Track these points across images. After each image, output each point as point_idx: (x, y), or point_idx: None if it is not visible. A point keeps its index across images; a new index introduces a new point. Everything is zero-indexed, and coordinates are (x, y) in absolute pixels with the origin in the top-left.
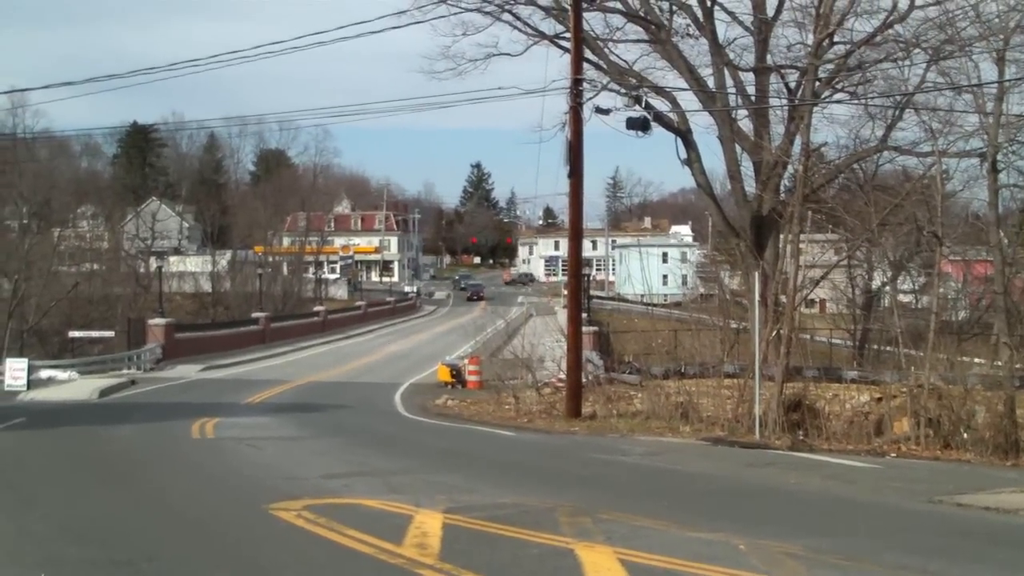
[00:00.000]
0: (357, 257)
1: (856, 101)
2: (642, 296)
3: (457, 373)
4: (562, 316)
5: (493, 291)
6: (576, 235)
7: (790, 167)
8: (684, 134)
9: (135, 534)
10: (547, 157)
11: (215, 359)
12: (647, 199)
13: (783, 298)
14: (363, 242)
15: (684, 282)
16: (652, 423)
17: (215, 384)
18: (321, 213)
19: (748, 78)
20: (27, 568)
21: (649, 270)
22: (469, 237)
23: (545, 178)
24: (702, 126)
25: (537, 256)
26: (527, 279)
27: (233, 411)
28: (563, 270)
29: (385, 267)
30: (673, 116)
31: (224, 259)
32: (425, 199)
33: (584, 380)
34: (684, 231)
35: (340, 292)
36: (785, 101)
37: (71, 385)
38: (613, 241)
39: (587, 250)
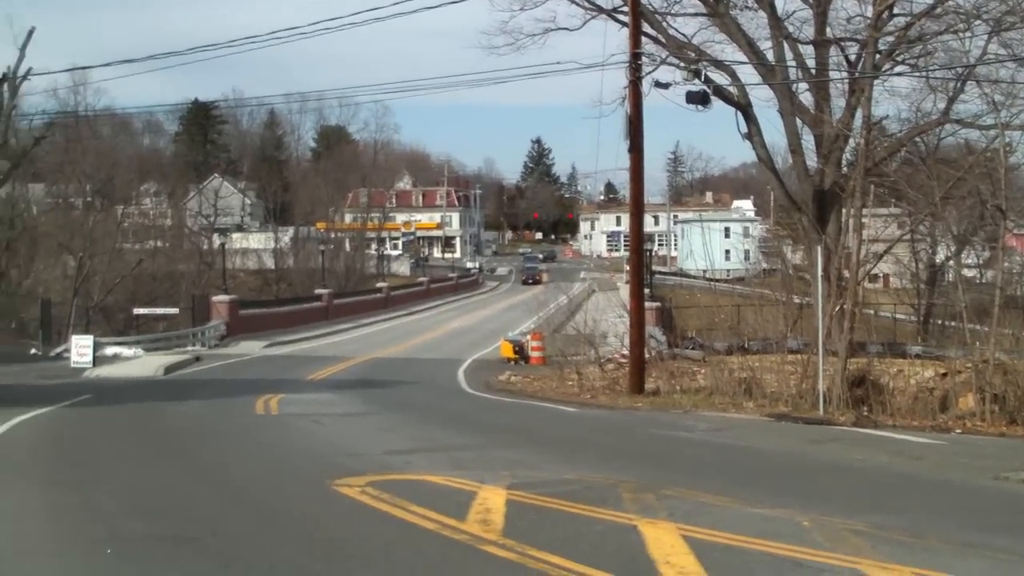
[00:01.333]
0: (419, 233)
1: (917, 74)
2: (704, 271)
3: (520, 349)
4: (624, 292)
5: (554, 267)
6: (637, 210)
7: (851, 141)
8: (744, 108)
9: (199, 509)
10: (607, 132)
11: (278, 336)
12: (708, 174)
13: (846, 273)
14: (425, 218)
15: (746, 257)
16: (715, 399)
17: (279, 360)
18: (382, 189)
19: (808, 51)
20: (93, 543)
21: (711, 245)
22: (531, 212)
23: (605, 153)
24: (762, 100)
25: (599, 231)
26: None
27: (296, 387)
28: (625, 245)
29: (447, 243)
30: (733, 90)
31: (286, 236)
32: (486, 175)
33: (647, 356)
34: (746, 206)
35: (403, 268)
36: (845, 74)
37: (136, 362)
38: (675, 216)
39: (648, 225)
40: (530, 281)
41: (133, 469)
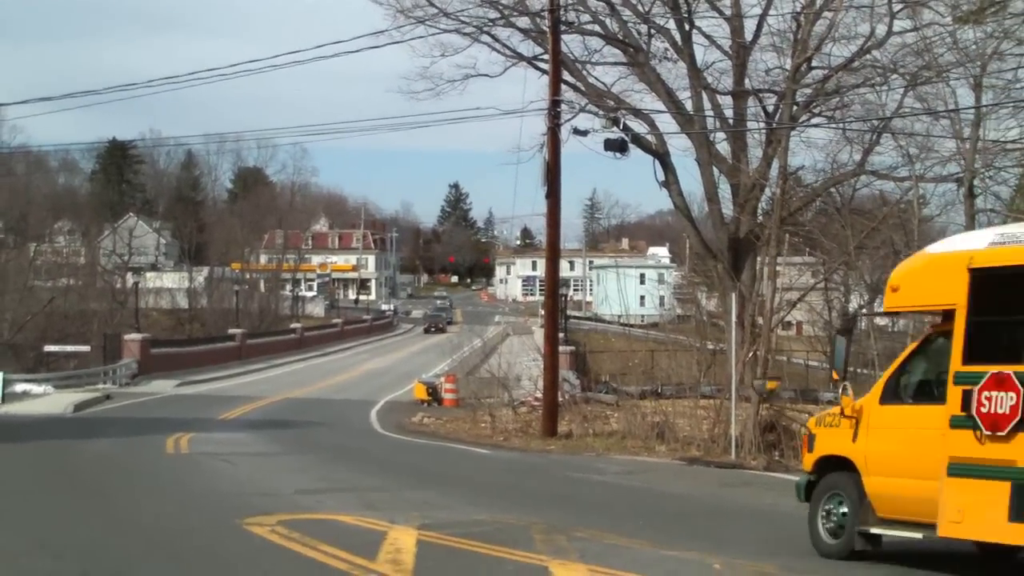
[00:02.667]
0: (334, 275)
1: (834, 125)
2: (619, 316)
3: (433, 391)
4: (539, 335)
5: (469, 311)
6: (553, 255)
7: (767, 190)
8: (662, 156)
9: (108, 549)
10: (525, 178)
11: (191, 375)
12: (625, 221)
13: (760, 320)
14: (340, 260)
15: (661, 303)
16: (628, 443)
17: (190, 400)
18: (299, 231)
19: (726, 101)
20: None
21: (626, 291)
22: (447, 256)
23: (523, 199)
24: (680, 149)
25: (515, 276)
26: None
27: (208, 427)
28: (541, 290)
29: (362, 285)
30: (651, 138)
31: (201, 276)
32: (403, 218)
33: (560, 399)
34: (662, 253)
35: (317, 310)
36: (763, 125)
37: (46, 399)
38: (590, 262)
39: (564, 270)
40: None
41: (40, 508)
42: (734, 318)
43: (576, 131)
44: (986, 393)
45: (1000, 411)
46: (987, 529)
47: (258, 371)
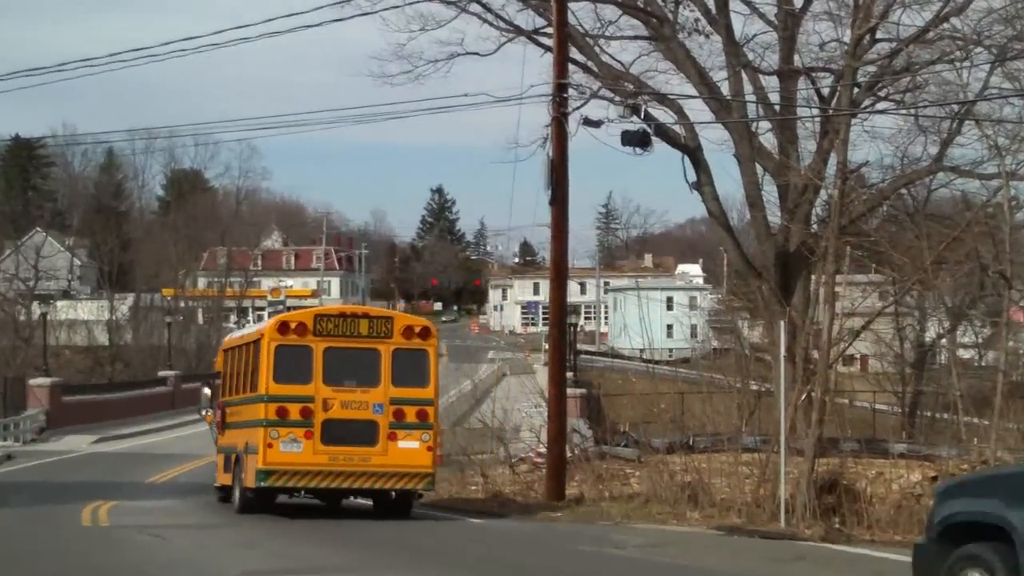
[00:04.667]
0: (290, 303)
1: (904, 111)
2: (641, 351)
3: None
4: (542, 376)
5: (457, 345)
6: (560, 276)
7: (823, 192)
8: (693, 152)
9: None
10: (524, 181)
11: (113, 428)
12: (647, 232)
13: (815, 354)
14: (298, 284)
15: (693, 334)
16: (653, 508)
17: (112, 459)
18: (246, 249)
19: (772, 83)
20: None
21: (650, 319)
22: (428, 278)
23: (522, 206)
24: (715, 142)
25: (512, 301)
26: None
27: (133, 492)
28: (544, 319)
29: None
30: (679, 129)
31: (125, 305)
32: (374, 231)
33: (569, 454)
34: (693, 271)
35: None
36: (817, 111)
37: None
38: (606, 283)
39: (574, 294)
40: None
41: None
42: (783, 351)
43: (587, 122)
44: None
45: None
46: None
47: (196, 422)
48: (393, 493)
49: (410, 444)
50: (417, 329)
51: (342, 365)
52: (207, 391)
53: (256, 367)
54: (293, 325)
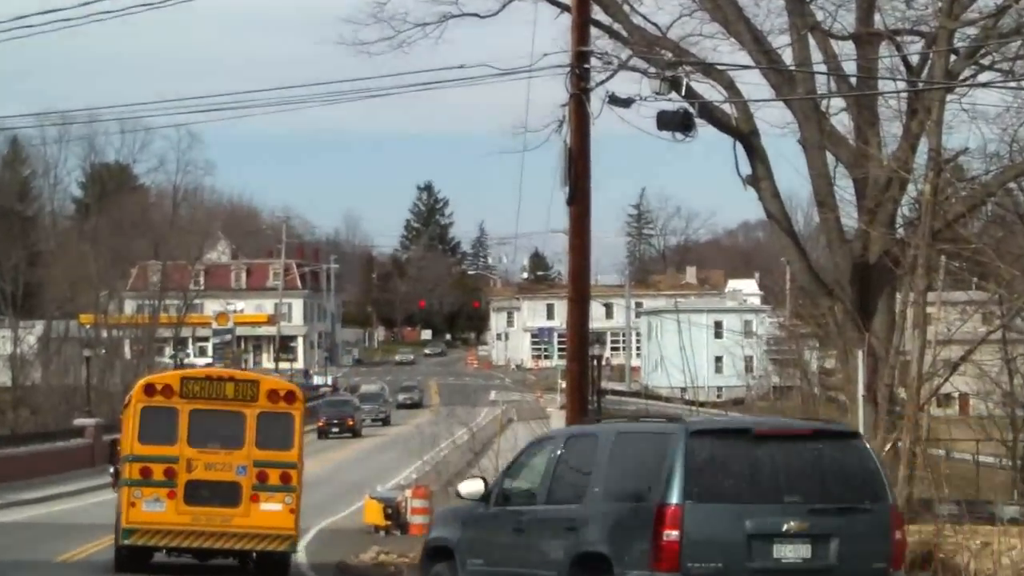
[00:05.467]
0: (240, 331)
1: (1013, 84)
2: (683, 391)
3: (394, 512)
4: (559, 422)
5: (451, 384)
6: (580, 295)
7: (911, 188)
8: (747, 137)
9: None
10: (535, 176)
11: (15, 491)
12: (690, 240)
13: (902, 392)
14: (250, 307)
15: (748, 367)
16: None
17: (14, 531)
18: (185, 263)
19: (846, 49)
20: None
21: (693, 350)
22: (415, 299)
23: (532, 208)
24: (775, 124)
25: (520, 328)
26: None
27: (41, 573)
28: (560, 350)
29: (284, 346)
30: (729, 109)
31: (32, 335)
32: (347, 241)
33: None
34: (747, 289)
35: None
36: (903, 85)
37: None
38: (638, 305)
39: (598, 318)
40: (335, 430)
41: None
42: (862, 389)
43: (614, 100)
44: None
45: None
46: None
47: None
48: (254, 554)
49: (272, 506)
50: (282, 393)
51: (207, 427)
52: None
53: (126, 427)
54: (160, 387)
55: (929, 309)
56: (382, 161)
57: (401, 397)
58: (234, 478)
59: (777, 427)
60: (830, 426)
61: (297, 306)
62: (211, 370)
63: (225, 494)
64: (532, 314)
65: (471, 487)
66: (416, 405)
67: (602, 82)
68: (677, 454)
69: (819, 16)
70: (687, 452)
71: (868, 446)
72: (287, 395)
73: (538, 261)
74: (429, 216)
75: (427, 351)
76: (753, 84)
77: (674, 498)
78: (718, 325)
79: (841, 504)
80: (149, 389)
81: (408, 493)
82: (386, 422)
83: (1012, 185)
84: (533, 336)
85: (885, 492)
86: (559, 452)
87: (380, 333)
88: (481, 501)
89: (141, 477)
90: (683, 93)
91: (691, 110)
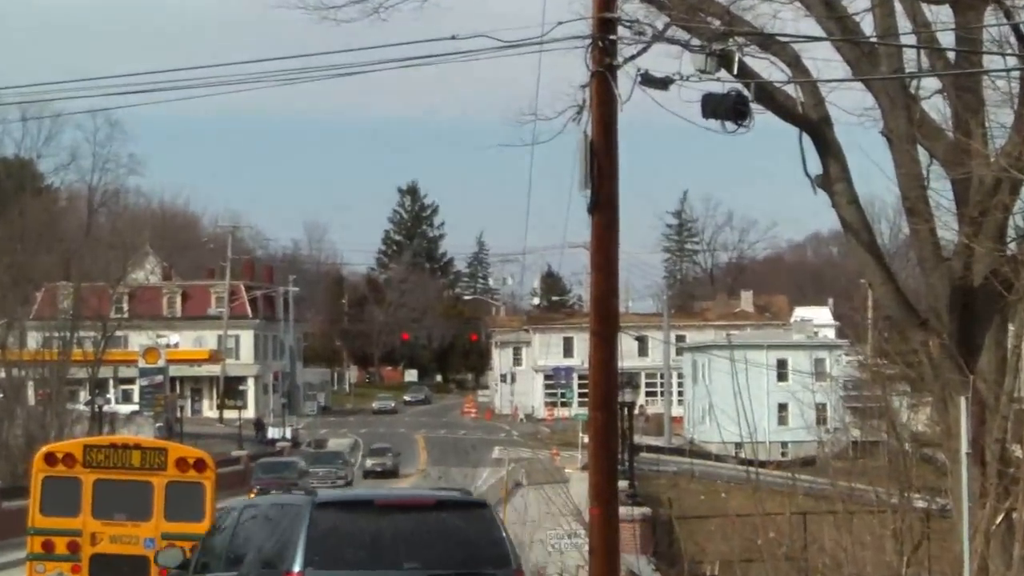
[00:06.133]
0: (175, 371)
1: None
2: (737, 447)
3: None
4: (580, 487)
5: (441, 439)
6: (607, 326)
7: None
8: (816, 127)
9: None
10: (547, 175)
11: None
12: (745, 257)
13: (1017, 450)
14: (187, 340)
15: (820, 419)
16: None
17: None
18: (104, 285)
19: (943, 15)
20: None
21: (750, 395)
22: (397, 330)
23: (544, 215)
24: (852, 111)
25: (529, 367)
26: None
27: None
28: (581, 395)
29: (231, 390)
30: (795, 92)
31: None
32: (310, 257)
33: None
34: (818, 318)
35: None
36: (1015, 61)
37: None
38: (679, 339)
39: (629, 355)
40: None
41: None
42: (965, 445)
43: (648, 79)
44: None
45: None
46: None
47: (21, 563)
48: None
49: None
50: (191, 461)
51: (113, 498)
52: None
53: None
54: (61, 456)
55: None
56: (354, 157)
57: (370, 463)
58: (142, 551)
59: (400, 498)
60: (455, 496)
61: (247, 339)
62: (116, 438)
63: (132, 569)
64: (545, 350)
65: (169, 556)
66: (390, 473)
67: (632, 57)
68: (302, 525)
69: None
70: (311, 523)
71: (495, 515)
72: (197, 463)
73: (552, 283)
74: (414, 226)
75: (407, 397)
76: (824, 60)
77: (296, 566)
78: (782, 364)
79: (462, 570)
80: (50, 458)
81: None
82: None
83: None
84: (547, 378)
85: (509, 559)
86: (236, 521)
87: (353, 374)
88: (181, 569)
89: (43, 551)
90: (735, 72)
91: (745, 93)
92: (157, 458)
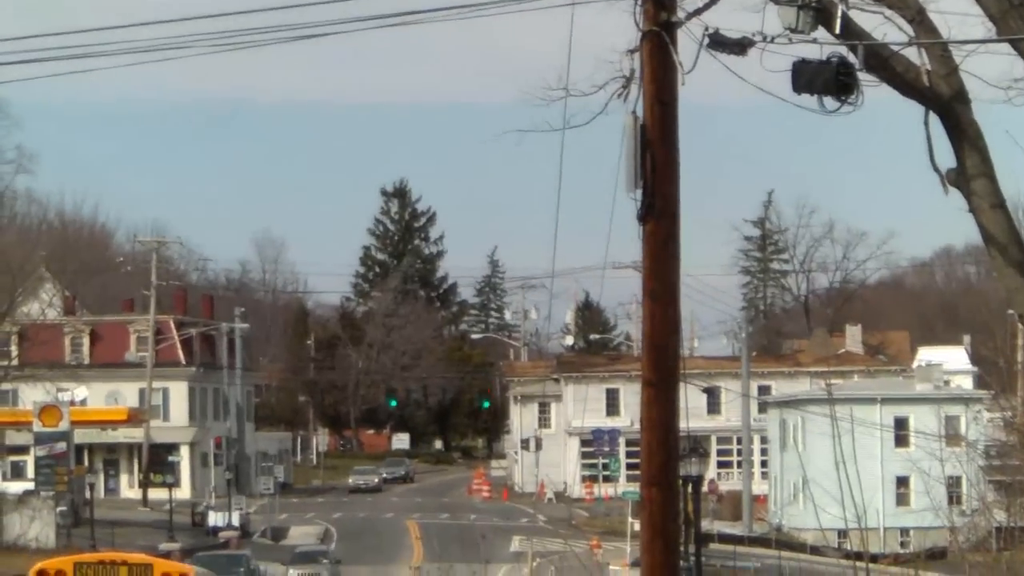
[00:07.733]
0: (82, 436)
1: None
2: (842, 535)
3: None
4: None
5: (443, 525)
6: (664, 374)
7: None
8: (948, 105)
9: None
10: (582, 171)
11: None
12: (850, 279)
13: None
14: (99, 396)
15: (953, 497)
16: None
17: None
18: None
19: None
20: None
21: (858, 465)
22: (381, 381)
23: (578, 225)
24: (996, 84)
25: (560, 429)
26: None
27: None
28: (630, 466)
29: (157, 461)
30: (919, 59)
31: None
32: (263, 282)
33: None
34: (952, 361)
35: (40, 528)
36: None
37: None
38: (764, 390)
39: (696, 412)
40: None
41: None
42: None
43: (717, 41)
44: None
45: None
46: None
47: None
48: None
49: None
50: None
51: None
52: None
53: None
54: (52, 573)
55: None
56: (321, 148)
57: (293, 574)
58: None
59: None
60: None
61: (178, 394)
62: (104, 554)
63: None
64: (581, 407)
65: None
66: None
67: (697, 12)
68: None
69: None
70: None
71: None
72: None
73: (590, 317)
74: (403, 240)
75: (385, 473)
76: (959, 15)
77: None
78: (901, 425)
79: None
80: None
81: None
82: None
83: None
84: (584, 444)
85: None
86: None
87: (323, 439)
88: None
89: None
90: (838, 30)
91: (851, 59)
92: (142, 573)
